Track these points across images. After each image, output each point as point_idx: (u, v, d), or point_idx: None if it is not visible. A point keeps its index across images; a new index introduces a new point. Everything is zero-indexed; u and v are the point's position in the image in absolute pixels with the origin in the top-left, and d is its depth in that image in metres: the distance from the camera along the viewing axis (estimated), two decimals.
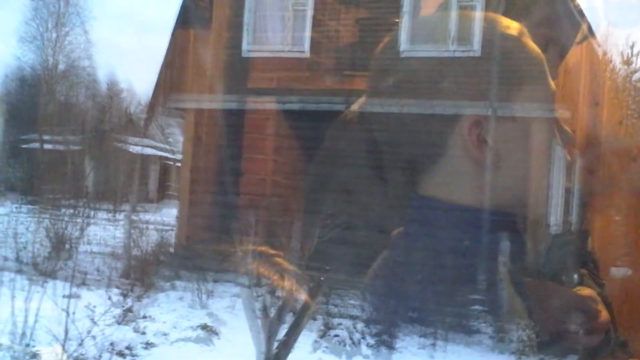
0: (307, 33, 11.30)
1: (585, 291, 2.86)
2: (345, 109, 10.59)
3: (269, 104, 11.51)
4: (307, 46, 11.36)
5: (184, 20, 12.05)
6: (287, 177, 11.40)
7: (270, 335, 5.52)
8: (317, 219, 9.51)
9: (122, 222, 14.86)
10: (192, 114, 12.39)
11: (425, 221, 9.22)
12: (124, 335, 7.06)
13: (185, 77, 12.34)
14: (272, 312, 5.65)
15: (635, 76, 7.18)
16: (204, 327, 7.69)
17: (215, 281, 9.69)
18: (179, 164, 20.99)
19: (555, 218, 10.52)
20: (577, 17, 10.36)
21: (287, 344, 5.51)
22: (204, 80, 12.09)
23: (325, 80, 11.26)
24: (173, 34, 12.19)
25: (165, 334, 7.38)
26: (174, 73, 12.40)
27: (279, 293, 6.96)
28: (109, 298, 8.27)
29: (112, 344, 6.65)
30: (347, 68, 11.14)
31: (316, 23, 11.28)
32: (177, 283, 9.76)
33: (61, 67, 32.91)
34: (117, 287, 9.11)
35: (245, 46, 11.81)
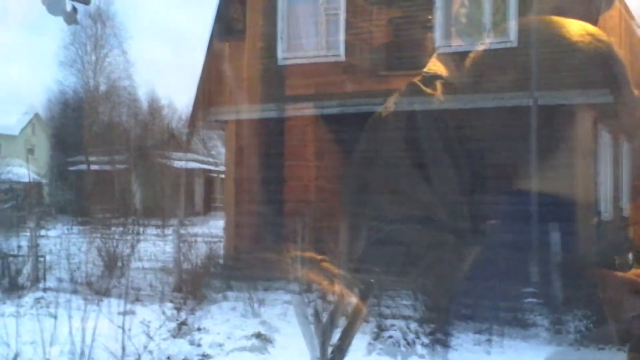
0: (341, 36, 11.30)
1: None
2: (384, 109, 10.58)
3: (307, 109, 11.53)
4: (342, 49, 11.36)
5: (218, 33, 12.16)
6: (330, 181, 11.41)
7: (324, 340, 5.51)
8: (363, 221, 9.48)
9: (170, 237, 15.03)
10: (232, 125, 12.48)
11: (480, 218, 9.12)
12: (180, 348, 7.13)
13: (224, 89, 12.44)
14: (325, 317, 5.64)
15: None
16: (258, 335, 7.72)
17: (265, 289, 9.73)
18: (222, 176, 21.16)
19: (605, 205, 10.31)
20: None
21: (341, 348, 5.50)
22: (242, 91, 12.17)
23: (363, 82, 11.23)
24: (209, 47, 12.31)
25: (220, 345, 7.43)
26: (212, 86, 12.51)
27: (330, 297, 6.95)
28: (163, 312, 8.37)
29: (168, 357, 6.72)
30: (383, 68, 11.10)
31: (349, 26, 11.28)
32: (229, 293, 9.81)
33: (102, 88, 33.58)
34: (171, 301, 9.21)
35: (280, 54, 11.85)
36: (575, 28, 8.81)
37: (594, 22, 9.19)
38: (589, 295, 6.13)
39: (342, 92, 11.37)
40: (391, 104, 10.28)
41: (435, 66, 10.27)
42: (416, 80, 10.22)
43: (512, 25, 10.09)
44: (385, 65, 11.21)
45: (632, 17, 10.68)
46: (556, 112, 9.19)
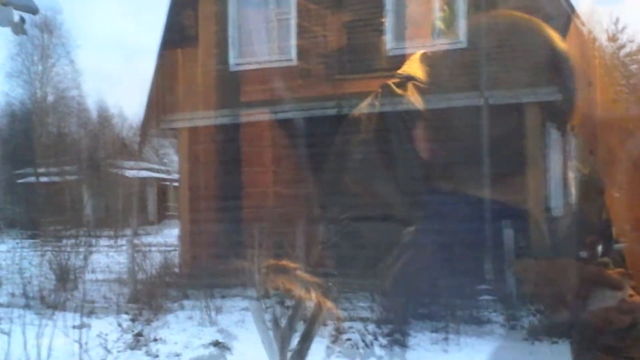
0: (293, 41, 11.32)
1: (615, 271, 2.82)
2: (340, 112, 10.63)
3: (262, 115, 11.50)
4: (294, 54, 11.37)
5: (170, 40, 12.05)
6: (288, 186, 11.40)
7: (283, 346, 5.50)
8: (321, 226, 9.51)
9: (124, 247, 14.82)
10: (185, 133, 12.39)
11: (435, 217, 9.23)
12: (138, 359, 7.04)
13: (176, 96, 12.35)
14: (283, 322, 5.63)
15: (623, 52, 7.17)
16: (216, 343, 7.67)
17: (223, 297, 9.67)
18: (176, 184, 21.00)
19: (556, 201, 10.53)
20: None
21: (301, 353, 5.49)
22: (194, 98, 12.10)
23: (317, 86, 11.26)
24: (160, 54, 12.19)
25: (177, 355, 7.36)
26: (164, 93, 12.40)
27: (289, 303, 6.94)
28: (119, 324, 8.25)
29: None
30: (337, 72, 11.15)
31: (301, 30, 11.30)
32: (185, 302, 9.73)
33: (50, 98, 32.93)
34: (126, 313, 9.09)
35: (232, 60, 11.81)
36: (524, 26, 8.99)
37: (546, 20, 9.40)
38: (542, 290, 6.25)
39: (296, 97, 11.38)
40: (364, 106, 10.35)
41: (409, 68, 10.36)
42: (391, 82, 10.30)
43: (462, 25, 10.31)
44: (338, 69, 11.26)
45: (577, 15, 10.94)
46: (506, 110, 9.37)
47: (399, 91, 9.89)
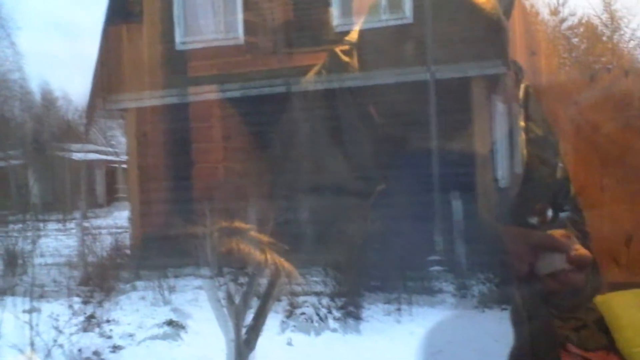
0: (240, 17, 11.23)
1: (558, 232, 2.88)
2: (288, 88, 10.63)
3: (210, 93, 11.42)
4: (240, 30, 11.29)
5: (114, 17, 11.82)
6: (238, 162, 11.37)
7: (238, 322, 5.53)
8: (273, 201, 9.52)
9: (73, 231, 14.62)
10: (133, 113, 12.21)
11: (384, 190, 9.35)
12: (90, 341, 6.99)
13: (122, 76, 12.14)
14: (237, 299, 5.65)
15: (564, 25, 7.33)
16: (170, 323, 7.66)
17: (176, 276, 9.64)
18: (124, 166, 20.73)
19: (502, 172, 10.77)
20: None
21: (255, 328, 5.53)
22: (141, 77, 11.92)
23: (264, 62, 11.22)
24: (104, 33, 11.95)
25: (131, 335, 7.33)
26: (110, 73, 12.18)
27: (243, 280, 6.96)
28: (70, 307, 8.17)
29: (79, 350, 6.58)
30: (284, 47, 11.12)
31: (247, 6, 11.22)
32: (138, 283, 9.66)
33: None
34: (77, 296, 9.00)
35: (178, 38, 11.67)
36: (468, 0, 9.10)
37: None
38: (494, 258, 6.40)
39: (244, 73, 11.32)
40: (312, 76, 10.35)
41: (355, 36, 10.38)
42: (338, 49, 10.32)
43: (408, 1, 10.32)
44: (286, 45, 11.22)
45: None
46: (452, 84, 9.51)
47: (345, 58, 9.93)
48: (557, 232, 2.15)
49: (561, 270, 2.02)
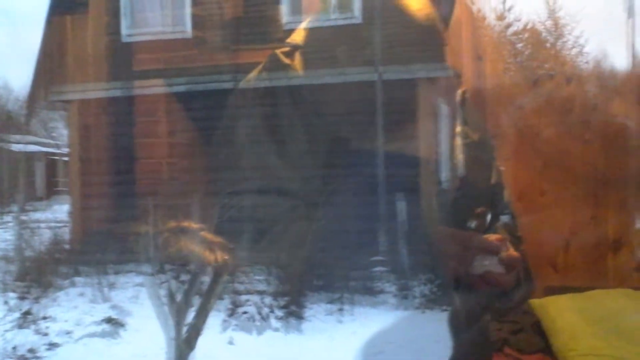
0: (188, 11, 11.12)
1: (493, 236, 2.92)
2: (234, 85, 10.55)
3: (156, 87, 11.27)
4: (189, 25, 11.18)
5: (58, 7, 11.56)
6: (183, 158, 11.25)
7: (179, 320, 5.46)
8: (217, 197, 9.43)
9: (10, 224, 14.26)
10: (76, 105, 11.97)
11: (329, 190, 9.36)
12: (26, 338, 6.83)
13: (65, 67, 11.90)
14: (179, 297, 5.59)
15: (510, 30, 7.46)
16: (109, 320, 7.53)
17: (116, 273, 9.48)
18: (66, 158, 20.32)
19: (446, 174, 10.92)
20: None
21: (197, 327, 5.47)
22: (85, 69, 11.70)
23: (212, 58, 11.12)
24: (47, 22, 11.68)
25: (68, 333, 7.18)
26: (53, 64, 11.92)
27: (184, 277, 6.88)
28: (6, 303, 7.96)
29: (14, 348, 6.43)
30: (233, 43, 11.04)
31: (196, 0, 11.11)
32: (77, 279, 9.48)
33: None
34: (13, 291, 8.78)
35: (124, 31, 11.49)
36: (415, 3, 9.20)
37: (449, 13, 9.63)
38: (432, 260, 6.48)
39: (191, 68, 11.21)
40: (253, 76, 10.29)
41: (298, 37, 10.36)
42: (279, 51, 10.28)
43: (357, 1, 10.37)
44: (234, 41, 11.15)
45: None
46: (400, 86, 9.58)
47: (286, 60, 9.92)
48: (492, 237, 2.19)
49: (490, 272, 2.06)
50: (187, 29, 11.21)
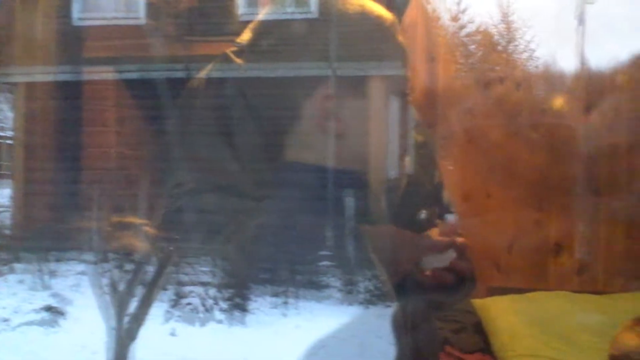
0: None
1: (434, 231, 2.97)
2: (187, 75, 10.47)
3: (107, 74, 11.12)
4: (142, 12, 11.05)
5: None
6: (132, 148, 11.13)
7: (121, 310, 5.40)
8: (164, 188, 9.35)
9: None
10: (22, 88, 11.73)
11: (277, 185, 9.34)
12: None
13: (12, 49, 11.66)
14: (121, 287, 5.53)
15: (463, 32, 7.55)
16: (49, 308, 7.41)
17: (58, 260, 9.34)
18: (10, 142, 19.90)
19: (394, 171, 11.02)
20: None
21: (139, 317, 5.42)
22: (33, 52, 11.47)
23: (165, 47, 11.02)
24: None
25: (6, 320, 7.06)
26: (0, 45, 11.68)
27: (128, 267, 6.81)
28: None
29: None
30: (187, 33, 10.96)
31: None
32: (17, 266, 9.31)
33: None
34: None
35: (75, 14, 11.30)
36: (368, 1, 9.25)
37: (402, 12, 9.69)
38: (376, 255, 6.55)
39: (143, 56, 11.09)
40: (204, 74, 10.20)
41: (249, 34, 10.27)
42: (229, 50, 10.20)
43: None
44: (189, 31, 11.07)
45: None
46: (353, 82, 9.62)
47: (237, 60, 9.88)
48: (433, 232, 2.23)
49: (441, 268, 2.11)
50: (141, 16, 11.08)
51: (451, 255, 2.07)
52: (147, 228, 5.89)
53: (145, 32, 11.13)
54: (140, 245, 5.73)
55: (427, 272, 2.14)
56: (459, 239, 2.13)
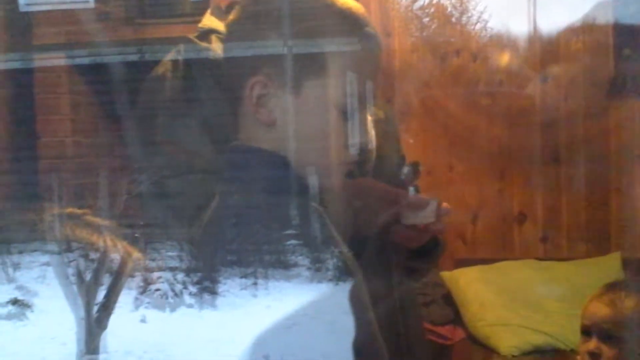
0: None
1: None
2: (140, 58, 10.31)
3: (58, 60, 10.89)
4: None
5: None
6: (88, 135, 10.95)
7: (89, 300, 5.34)
8: (125, 175, 9.24)
9: None
10: None
11: (239, 167, 9.27)
12: None
13: None
14: (88, 276, 5.47)
15: (416, 5, 7.58)
16: (15, 302, 7.27)
17: (20, 252, 9.17)
18: None
19: (356, 146, 11.03)
20: None
21: (107, 306, 5.36)
22: None
23: (117, 31, 10.80)
24: None
25: None
26: None
27: (93, 255, 6.73)
28: None
29: None
30: (139, 16, 10.77)
31: None
32: None
33: None
34: None
35: (22, 0, 11.01)
36: None
37: None
38: (345, 233, 6.57)
39: (95, 41, 10.85)
40: (168, 59, 10.03)
41: (209, 21, 10.12)
42: (192, 36, 10.03)
43: None
44: (140, 14, 10.87)
45: None
46: (309, 60, 9.57)
47: (202, 43, 9.76)
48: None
49: (415, 224, 2.18)
50: (90, 1, 10.86)
51: (429, 214, 2.16)
52: (87, 217, 5.83)
53: (95, 16, 10.91)
54: (84, 235, 5.67)
55: (406, 228, 2.22)
56: (438, 199, 2.19)
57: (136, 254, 5.75)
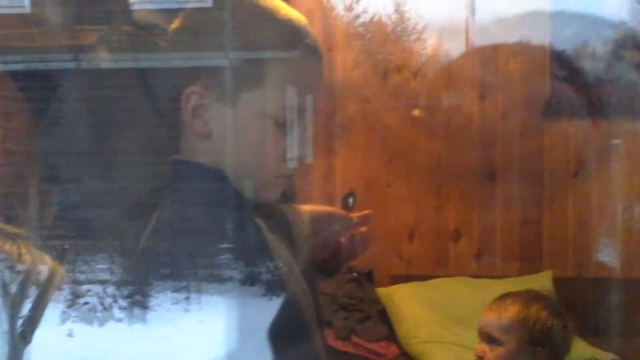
0: None
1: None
2: (76, 66, 10.04)
3: None
4: (27, 0, 10.50)
5: None
6: (19, 143, 10.58)
7: (13, 313, 5.13)
8: (56, 185, 8.94)
9: None
10: None
11: (175, 180, 9.09)
12: None
13: None
14: (13, 288, 5.26)
15: (358, 21, 7.63)
16: None
17: None
18: None
19: (292, 162, 10.95)
20: None
21: (33, 319, 5.17)
22: None
23: (53, 37, 10.50)
24: None
25: None
26: None
27: (19, 267, 6.48)
28: None
29: None
30: (76, 23, 10.50)
31: None
32: None
33: None
34: None
35: None
36: None
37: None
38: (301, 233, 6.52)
39: (30, 47, 10.52)
40: (85, 62, 9.77)
41: (139, 16, 9.90)
42: (110, 37, 9.82)
43: None
44: (77, 20, 10.60)
45: None
46: (247, 72, 9.48)
47: (122, 39, 9.56)
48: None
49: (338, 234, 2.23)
50: (26, 5, 10.54)
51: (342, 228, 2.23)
52: (9, 229, 5.64)
53: (31, 21, 10.59)
54: (4, 248, 5.46)
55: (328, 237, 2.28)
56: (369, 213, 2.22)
57: (65, 266, 5.57)
